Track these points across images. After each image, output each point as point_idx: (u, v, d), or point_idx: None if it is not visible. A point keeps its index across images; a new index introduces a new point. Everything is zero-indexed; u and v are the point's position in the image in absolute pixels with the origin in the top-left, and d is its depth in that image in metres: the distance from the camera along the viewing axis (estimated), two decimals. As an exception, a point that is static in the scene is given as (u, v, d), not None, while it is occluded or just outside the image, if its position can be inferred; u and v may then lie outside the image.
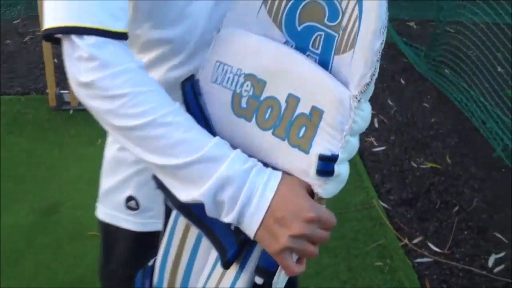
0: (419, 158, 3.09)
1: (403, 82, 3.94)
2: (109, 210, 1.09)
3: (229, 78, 0.80)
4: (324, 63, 0.77)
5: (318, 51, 0.78)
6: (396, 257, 2.38)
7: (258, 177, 0.72)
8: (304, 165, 0.74)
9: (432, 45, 4.09)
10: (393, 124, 3.39)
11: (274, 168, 0.75)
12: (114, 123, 0.73)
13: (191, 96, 0.82)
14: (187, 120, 0.75)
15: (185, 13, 0.87)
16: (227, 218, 0.71)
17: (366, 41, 0.72)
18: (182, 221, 0.84)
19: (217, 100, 0.81)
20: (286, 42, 0.81)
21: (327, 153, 0.72)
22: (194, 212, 0.77)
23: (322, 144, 0.73)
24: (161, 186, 0.78)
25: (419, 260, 2.39)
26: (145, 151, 0.73)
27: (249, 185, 0.71)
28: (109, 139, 1.09)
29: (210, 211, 0.72)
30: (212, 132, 0.79)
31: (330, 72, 0.76)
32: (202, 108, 0.81)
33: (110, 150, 1.07)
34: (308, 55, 0.79)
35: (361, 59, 0.72)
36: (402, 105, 3.58)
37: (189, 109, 0.81)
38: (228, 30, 0.84)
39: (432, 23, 4.72)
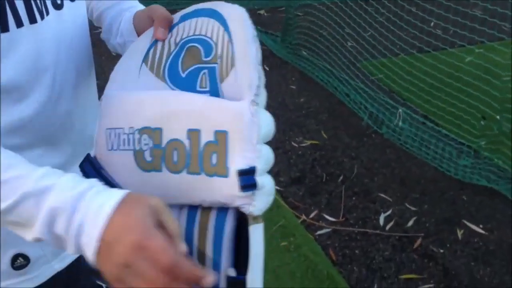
0: (298, 137, 3.21)
1: (267, 68, 4.05)
2: None
3: (124, 139, 0.77)
4: (216, 96, 0.78)
5: (207, 88, 0.79)
6: (298, 234, 2.46)
7: (91, 202, 0.66)
8: (228, 189, 0.72)
9: (286, 30, 4.26)
10: (267, 110, 3.48)
11: (204, 206, 0.74)
12: None
13: (93, 174, 0.77)
14: (8, 158, 0.69)
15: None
16: (71, 251, 0.66)
17: (243, 51, 0.77)
18: None
19: (119, 165, 0.77)
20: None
21: (245, 166, 0.72)
22: None
23: (238, 162, 0.72)
24: None
25: (319, 232, 2.49)
26: None
27: (79, 213, 0.65)
28: None
29: (55, 247, 0.69)
30: None
31: None
32: (109, 180, 0.77)
33: None
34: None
35: (244, 68, 0.76)
36: (271, 91, 3.67)
37: None
38: (108, 96, 0.82)
39: (281, 9, 4.92)
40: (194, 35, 0.82)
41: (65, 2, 0.88)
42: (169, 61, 0.82)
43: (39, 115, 0.85)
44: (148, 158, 0.75)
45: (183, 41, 0.83)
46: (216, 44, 0.80)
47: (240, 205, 0.73)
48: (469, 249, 2.38)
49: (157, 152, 0.75)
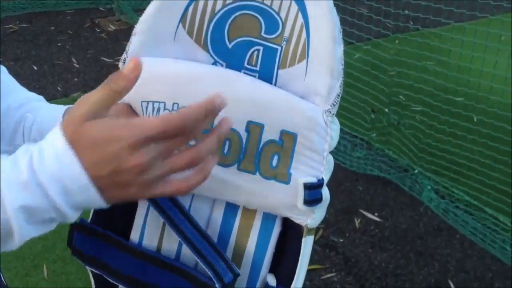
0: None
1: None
2: None
3: None
4: (266, 80, 0.69)
5: (257, 68, 0.69)
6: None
7: (44, 160, 0.49)
8: (286, 197, 0.66)
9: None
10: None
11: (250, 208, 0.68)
12: None
13: None
14: None
15: None
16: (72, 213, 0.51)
17: (326, 49, 0.66)
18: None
19: None
20: (214, 63, 0.69)
21: (312, 180, 0.66)
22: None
23: (303, 170, 0.66)
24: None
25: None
26: None
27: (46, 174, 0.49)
28: None
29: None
30: None
31: None
32: None
33: None
34: (244, 73, 0.69)
35: (324, 70, 0.66)
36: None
37: None
38: (142, 60, 0.63)
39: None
40: (252, 0, 0.68)
41: None
42: (212, 25, 0.68)
43: None
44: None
45: (234, 4, 0.68)
46: (284, 24, 0.67)
47: (295, 216, 0.67)
48: (366, 237, 2.49)
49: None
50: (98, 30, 4.71)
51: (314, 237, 2.33)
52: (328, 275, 2.28)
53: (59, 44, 4.41)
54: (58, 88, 3.70)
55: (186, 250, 0.69)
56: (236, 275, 0.66)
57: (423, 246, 2.43)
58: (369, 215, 2.62)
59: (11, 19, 4.82)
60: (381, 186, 2.82)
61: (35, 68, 3.98)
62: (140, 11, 4.89)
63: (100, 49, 4.33)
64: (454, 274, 2.28)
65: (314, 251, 2.38)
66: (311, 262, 2.33)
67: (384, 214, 2.63)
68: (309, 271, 2.27)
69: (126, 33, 4.63)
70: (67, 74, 3.92)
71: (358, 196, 2.75)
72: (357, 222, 2.57)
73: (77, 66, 4.05)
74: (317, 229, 2.50)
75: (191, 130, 0.51)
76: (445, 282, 2.24)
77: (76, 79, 3.84)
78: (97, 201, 0.50)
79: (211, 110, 0.51)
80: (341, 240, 2.46)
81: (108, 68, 4.02)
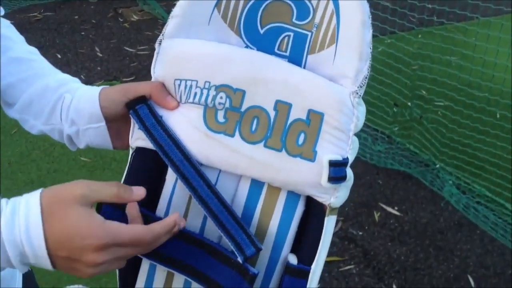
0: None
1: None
2: None
3: (196, 93, 0.69)
4: (295, 64, 0.71)
5: (287, 53, 0.71)
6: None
7: (14, 224, 0.56)
8: (311, 175, 0.67)
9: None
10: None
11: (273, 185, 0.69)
12: None
13: (151, 121, 0.70)
14: None
15: None
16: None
17: (356, 34, 0.68)
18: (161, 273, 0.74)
19: (184, 119, 0.70)
20: (246, 48, 0.72)
21: (338, 157, 0.67)
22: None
23: (329, 149, 0.68)
24: None
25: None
26: None
27: (9, 238, 0.56)
28: None
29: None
30: (186, 155, 0.69)
31: None
32: (168, 131, 0.69)
33: None
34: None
35: (353, 53, 0.68)
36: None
37: (151, 136, 0.69)
38: (177, 42, 0.71)
39: None
40: None
41: None
42: (245, 11, 0.71)
43: None
44: (221, 119, 0.68)
45: None
46: (315, 11, 0.70)
47: (319, 194, 0.68)
48: (385, 231, 2.48)
49: (233, 115, 0.68)
50: (121, 20, 4.74)
51: (334, 229, 2.28)
52: (347, 267, 2.28)
53: (83, 33, 4.45)
54: (81, 76, 3.73)
55: (209, 227, 0.71)
56: (259, 249, 0.67)
57: (443, 241, 2.42)
58: (389, 209, 2.61)
59: (36, 7, 4.87)
60: (401, 180, 2.81)
61: (59, 56, 4.02)
62: (162, 1, 4.92)
63: (123, 39, 4.37)
64: (473, 270, 2.27)
65: (333, 243, 2.39)
66: (330, 254, 2.34)
67: (404, 208, 2.62)
68: (327, 263, 2.28)
69: (148, 24, 4.66)
70: (90, 63, 3.95)
71: (378, 189, 2.74)
72: (376, 215, 2.57)
73: (100, 55, 4.09)
74: (336, 221, 2.50)
75: (152, 244, 0.61)
76: (465, 278, 2.23)
77: (99, 68, 3.88)
78: (47, 267, 0.58)
79: (173, 231, 0.63)
80: (360, 233, 2.46)
81: (130, 57, 4.05)
